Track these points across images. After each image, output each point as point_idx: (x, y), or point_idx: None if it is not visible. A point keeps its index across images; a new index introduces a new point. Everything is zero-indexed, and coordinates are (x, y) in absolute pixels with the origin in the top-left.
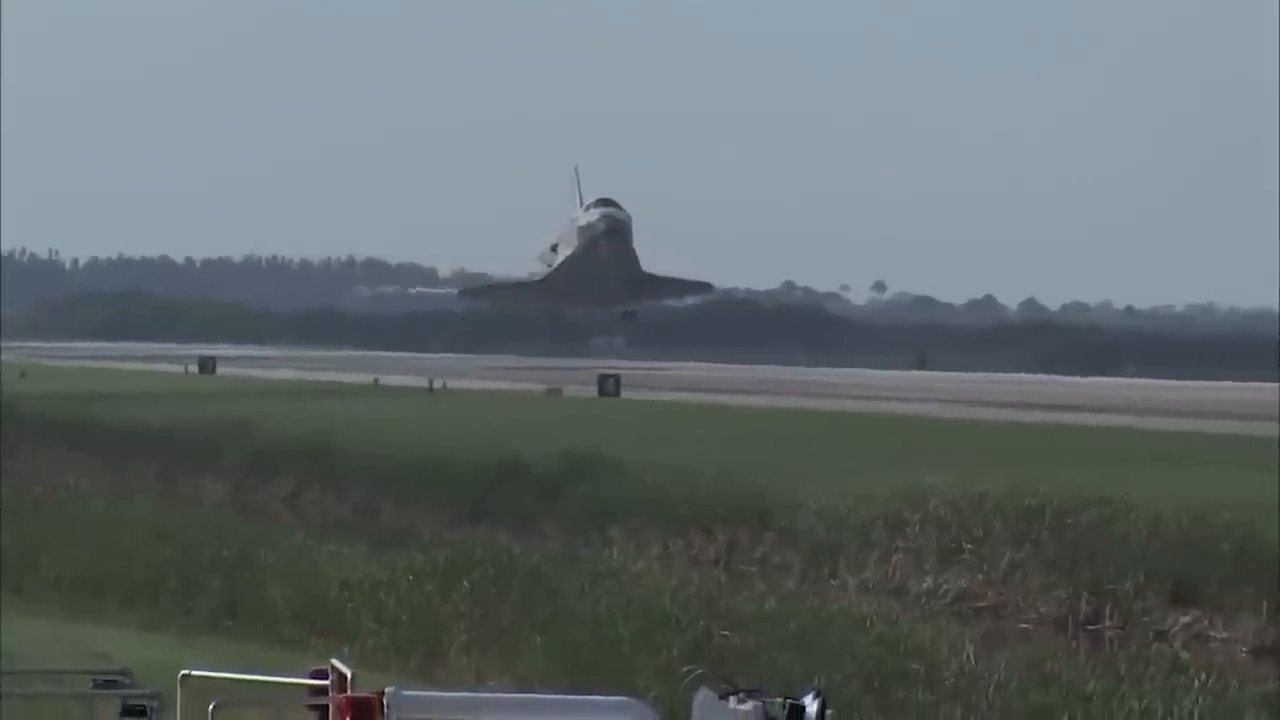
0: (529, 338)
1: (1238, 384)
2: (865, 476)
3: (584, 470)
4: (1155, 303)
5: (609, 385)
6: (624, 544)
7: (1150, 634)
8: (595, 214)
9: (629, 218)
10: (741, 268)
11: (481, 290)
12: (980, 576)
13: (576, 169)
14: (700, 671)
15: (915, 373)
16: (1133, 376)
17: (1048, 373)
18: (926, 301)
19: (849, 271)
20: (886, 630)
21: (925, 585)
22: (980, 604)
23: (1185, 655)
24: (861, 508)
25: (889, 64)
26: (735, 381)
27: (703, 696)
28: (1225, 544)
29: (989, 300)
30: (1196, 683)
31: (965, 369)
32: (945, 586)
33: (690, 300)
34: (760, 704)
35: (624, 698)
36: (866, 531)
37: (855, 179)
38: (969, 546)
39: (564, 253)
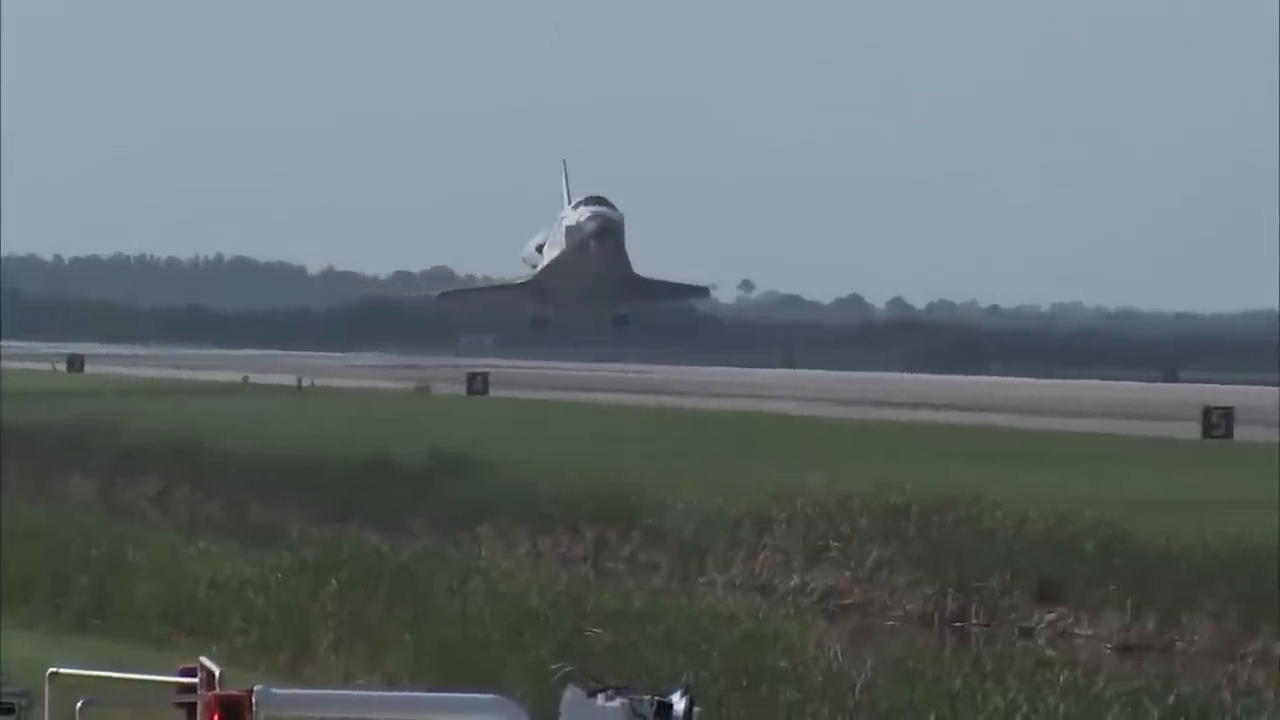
0: (399, 336)
1: (1103, 382)
2: (733, 475)
3: (452, 468)
4: (1020, 301)
5: (477, 383)
6: (492, 542)
7: (1016, 631)
8: (585, 213)
9: (621, 217)
10: None
11: (462, 293)
12: (847, 574)
13: (565, 163)
14: (568, 669)
15: (783, 371)
16: (998, 375)
17: (914, 371)
18: (794, 300)
19: (717, 270)
20: (754, 628)
21: (793, 583)
22: (847, 601)
23: (1050, 652)
24: (729, 506)
25: (766, 57)
26: (603, 380)
27: (571, 694)
28: (1090, 542)
29: (856, 299)
30: (1061, 679)
31: (833, 367)
32: (812, 584)
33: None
34: (628, 701)
35: (493, 695)
36: (734, 529)
37: (724, 175)
38: (836, 544)
39: (550, 254)
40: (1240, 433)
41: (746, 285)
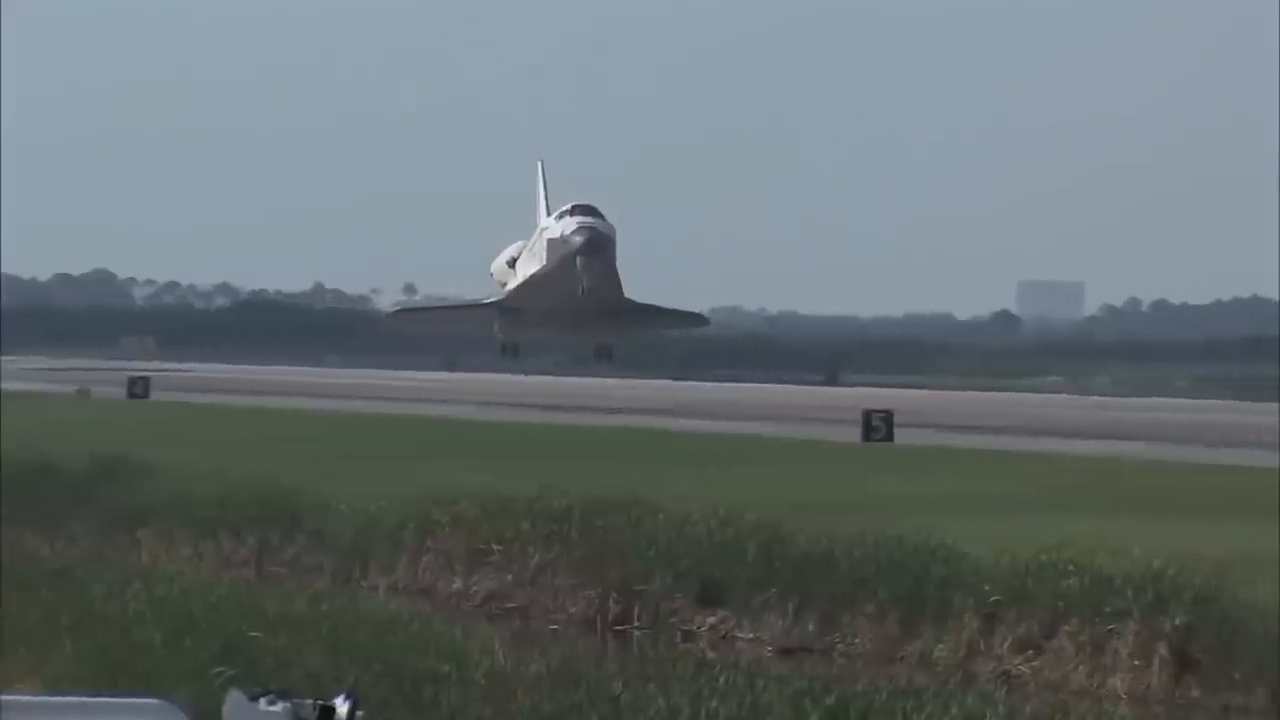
0: (59, 339)
1: (764, 385)
2: (396, 478)
3: (113, 472)
4: (680, 307)
5: (138, 387)
6: (153, 546)
7: (678, 634)
8: (571, 224)
9: (613, 230)
10: (272, 269)
11: (416, 311)
12: (510, 577)
13: (540, 164)
14: (231, 674)
15: (447, 374)
16: (665, 378)
17: (577, 374)
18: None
19: (379, 274)
20: (417, 631)
21: (455, 586)
22: (510, 604)
23: (712, 655)
24: (393, 509)
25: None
26: (266, 384)
27: (233, 699)
28: (751, 544)
29: None
30: (722, 682)
31: (496, 370)
32: (475, 587)
33: (678, 333)
34: (291, 705)
35: (156, 700)
36: (397, 533)
37: (388, 179)
38: (498, 548)
39: (526, 270)
40: (900, 435)
41: (409, 289)
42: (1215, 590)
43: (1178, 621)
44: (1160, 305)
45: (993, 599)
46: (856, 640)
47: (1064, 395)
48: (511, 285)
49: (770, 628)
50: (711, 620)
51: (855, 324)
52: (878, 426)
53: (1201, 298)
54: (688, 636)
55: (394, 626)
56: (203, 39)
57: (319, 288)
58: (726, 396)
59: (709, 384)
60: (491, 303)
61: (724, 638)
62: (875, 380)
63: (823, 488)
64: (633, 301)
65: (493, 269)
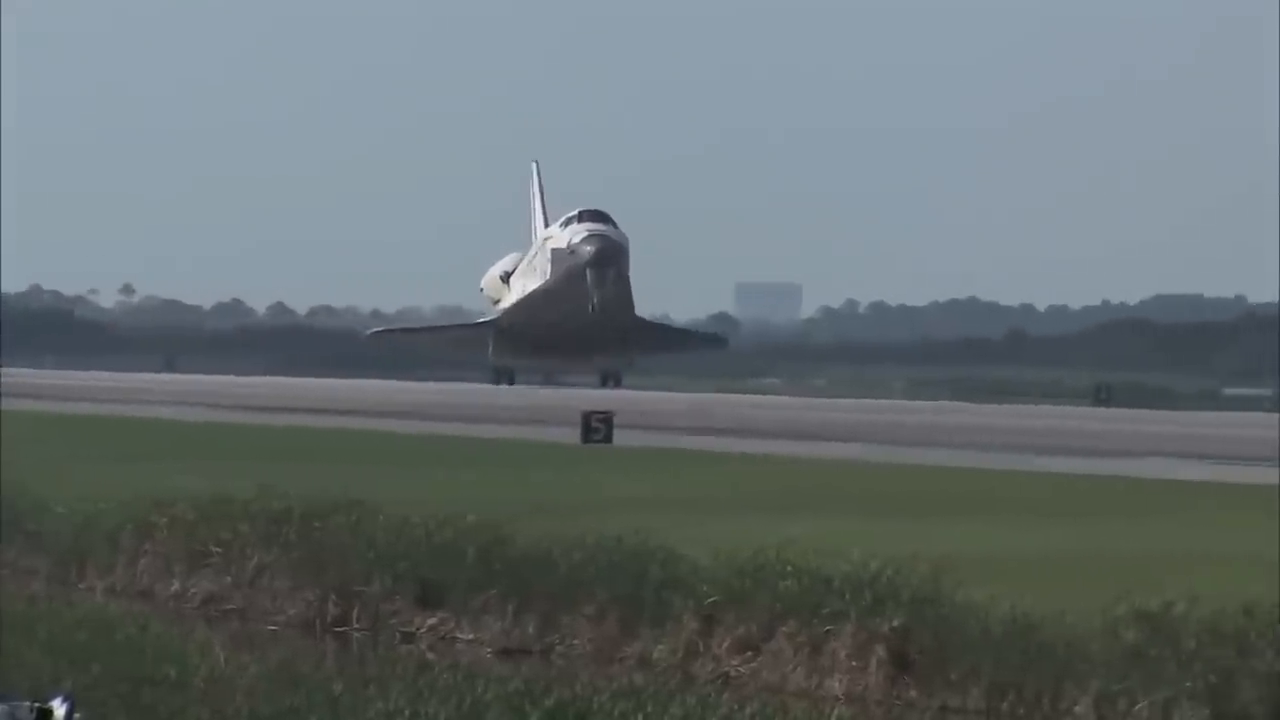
0: None
1: (477, 386)
2: (115, 480)
3: None
4: (402, 305)
5: None
6: None
7: (397, 636)
8: (580, 232)
9: (626, 240)
10: None
11: (398, 332)
12: (229, 579)
13: (536, 165)
14: None
15: (164, 375)
16: (376, 378)
17: (297, 375)
18: (174, 305)
19: (97, 275)
20: (136, 634)
21: (173, 589)
22: (229, 607)
23: (432, 656)
24: (111, 511)
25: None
26: None
27: None
28: (471, 546)
29: (237, 304)
30: (442, 683)
31: (214, 371)
32: (193, 590)
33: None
34: (8, 708)
35: None
36: (115, 535)
37: (111, 180)
38: (217, 550)
39: (525, 284)
40: (619, 437)
41: (127, 290)
42: (932, 591)
43: (895, 623)
44: (878, 307)
45: (710, 600)
46: (576, 641)
47: (782, 397)
48: (506, 302)
49: (490, 629)
50: (431, 621)
51: None
52: (597, 428)
53: (918, 299)
54: (407, 638)
55: (112, 629)
56: None
57: (36, 288)
58: (448, 398)
59: (430, 385)
60: (484, 322)
61: (443, 639)
62: (596, 383)
63: (542, 489)
64: (645, 320)
65: (483, 284)
